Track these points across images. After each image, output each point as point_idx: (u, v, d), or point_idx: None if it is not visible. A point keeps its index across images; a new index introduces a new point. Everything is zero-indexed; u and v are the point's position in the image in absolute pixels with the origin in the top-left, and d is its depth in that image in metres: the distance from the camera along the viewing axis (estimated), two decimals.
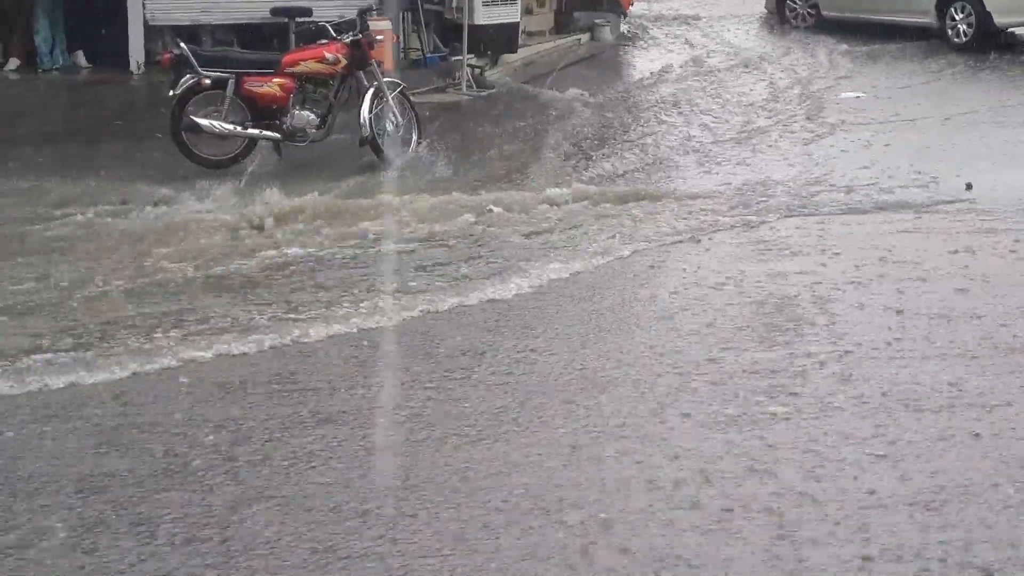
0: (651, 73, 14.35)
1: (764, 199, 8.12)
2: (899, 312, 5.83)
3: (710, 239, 7.23)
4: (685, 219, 7.63)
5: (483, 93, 12.55)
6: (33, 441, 4.42)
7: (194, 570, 3.56)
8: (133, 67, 11.94)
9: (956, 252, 6.87)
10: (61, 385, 4.94)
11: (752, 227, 7.47)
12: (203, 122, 8.86)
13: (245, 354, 5.31)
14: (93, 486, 4.03)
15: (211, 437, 4.42)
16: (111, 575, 3.54)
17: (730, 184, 8.66)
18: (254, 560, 3.60)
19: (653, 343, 5.43)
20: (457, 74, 12.70)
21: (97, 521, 3.82)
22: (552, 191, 8.23)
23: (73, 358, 5.21)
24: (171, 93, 8.93)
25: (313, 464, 4.20)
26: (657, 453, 4.31)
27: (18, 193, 8.23)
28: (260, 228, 7.38)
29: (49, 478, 4.10)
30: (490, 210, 7.71)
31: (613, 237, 7.23)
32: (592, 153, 9.89)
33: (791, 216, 7.73)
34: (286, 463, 4.22)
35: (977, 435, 4.45)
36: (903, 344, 5.39)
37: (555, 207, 7.91)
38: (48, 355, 5.24)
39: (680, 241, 7.19)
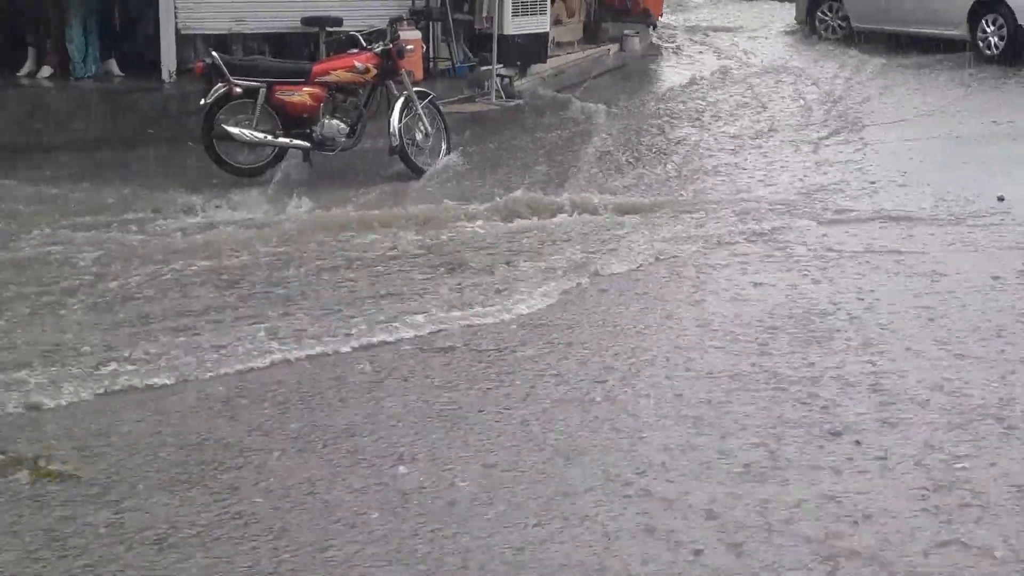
0: (680, 84, 14.35)
1: (792, 209, 8.09)
2: (930, 321, 5.78)
3: (737, 248, 7.20)
4: (712, 228, 7.61)
5: (512, 103, 12.56)
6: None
7: None
8: (165, 76, 12.00)
9: (985, 263, 6.83)
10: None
11: (778, 237, 7.44)
12: (234, 131, 8.92)
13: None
14: None
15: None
16: None
17: (759, 194, 8.65)
18: None
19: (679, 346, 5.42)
20: (486, 84, 12.73)
21: None
22: (580, 198, 8.26)
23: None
24: (203, 102, 8.99)
25: None
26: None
27: (50, 200, 8.29)
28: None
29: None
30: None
31: (641, 245, 7.23)
32: (620, 163, 9.90)
33: (821, 225, 7.69)
34: None
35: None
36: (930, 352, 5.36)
37: (584, 215, 7.91)
38: None
39: (707, 250, 7.18)
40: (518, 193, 8.34)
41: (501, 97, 12.61)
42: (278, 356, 5.33)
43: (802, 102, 12.84)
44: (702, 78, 14.65)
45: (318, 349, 5.44)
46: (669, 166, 9.81)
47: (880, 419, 4.64)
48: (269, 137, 9.08)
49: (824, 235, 7.45)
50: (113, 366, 5.17)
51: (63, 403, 4.82)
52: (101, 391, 4.94)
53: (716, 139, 10.94)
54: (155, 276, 6.53)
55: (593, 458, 4.30)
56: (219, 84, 8.94)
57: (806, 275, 6.60)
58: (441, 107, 9.99)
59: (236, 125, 8.95)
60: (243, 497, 4.00)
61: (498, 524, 3.83)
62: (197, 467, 4.23)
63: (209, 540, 3.71)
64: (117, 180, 8.80)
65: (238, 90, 8.97)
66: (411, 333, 5.66)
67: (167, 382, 5.04)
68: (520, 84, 13.22)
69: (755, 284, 6.44)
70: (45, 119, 10.82)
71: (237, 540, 3.72)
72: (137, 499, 3.98)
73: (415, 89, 9.52)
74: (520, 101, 12.69)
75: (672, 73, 15.75)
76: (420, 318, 5.84)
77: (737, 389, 4.95)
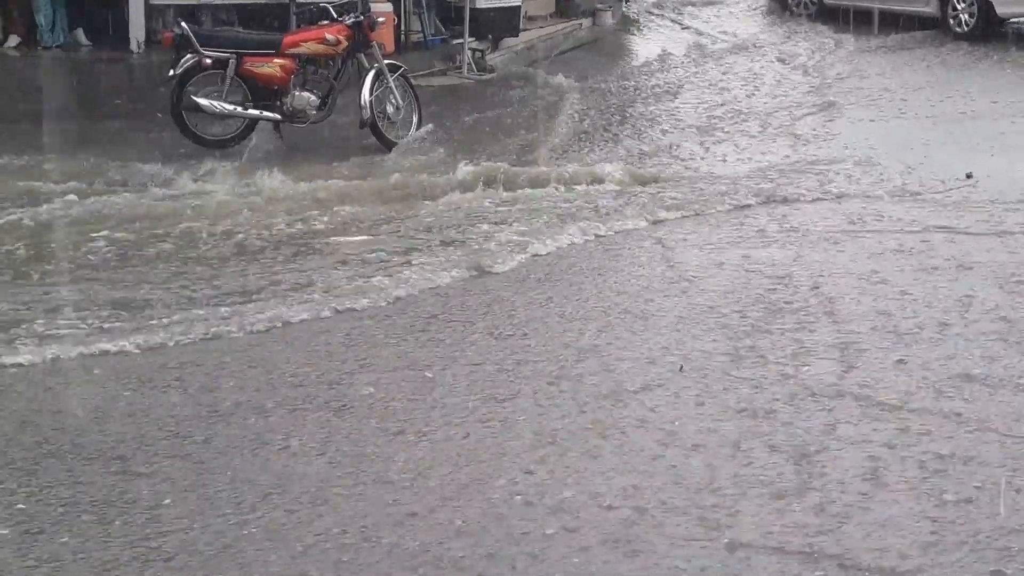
0: (651, 59, 14.37)
1: (757, 184, 8.11)
2: (901, 296, 5.82)
3: (706, 222, 7.23)
4: (682, 201, 7.64)
5: (484, 77, 12.55)
6: None
7: None
8: (133, 46, 11.91)
9: (953, 236, 6.89)
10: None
11: (741, 211, 7.48)
12: (203, 102, 8.85)
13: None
14: None
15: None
16: None
17: (726, 168, 8.70)
18: None
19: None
20: (458, 57, 12.71)
21: None
22: (550, 170, 8.29)
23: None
24: (171, 72, 8.90)
25: None
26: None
27: (16, 170, 8.22)
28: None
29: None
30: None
31: (606, 215, 7.27)
32: (592, 137, 9.93)
33: (787, 202, 7.71)
34: None
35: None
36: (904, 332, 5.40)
37: (556, 186, 7.93)
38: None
39: (669, 223, 7.22)
40: (488, 165, 8.34)
41: (473, 71, 12.60)
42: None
43: (773, 79, 12.87)
44: (674, 53, 14.66)
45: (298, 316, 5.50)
46: (639, 140, 9.85)
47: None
48: (239, 109, 9.01)
49: (790, 212, 7.47)
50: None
51: None
52: None
53: (686, 114, 10.97)
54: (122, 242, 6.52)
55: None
56: (188, 55, 8.86)
57: (768, 250, 6.62)
58: (412, 80, 9.95)
59: (205, 96, 8.88)
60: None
61: None
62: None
63: None
64: (85, 151, 8.73)
65: (207, 61, 8.89)
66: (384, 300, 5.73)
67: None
68: (492, 57, 13.20)
69: (717, 261, 6.46)
70: (11, 89, 10.72)
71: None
72: None
73: (386, 62, 9.48)
74: (492, 75, 12.68)
75: (644, 48, 15.76)
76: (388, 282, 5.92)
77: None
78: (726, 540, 3.56)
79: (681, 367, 4.86)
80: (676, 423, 4.37)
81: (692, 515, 3.71)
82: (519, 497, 3.81)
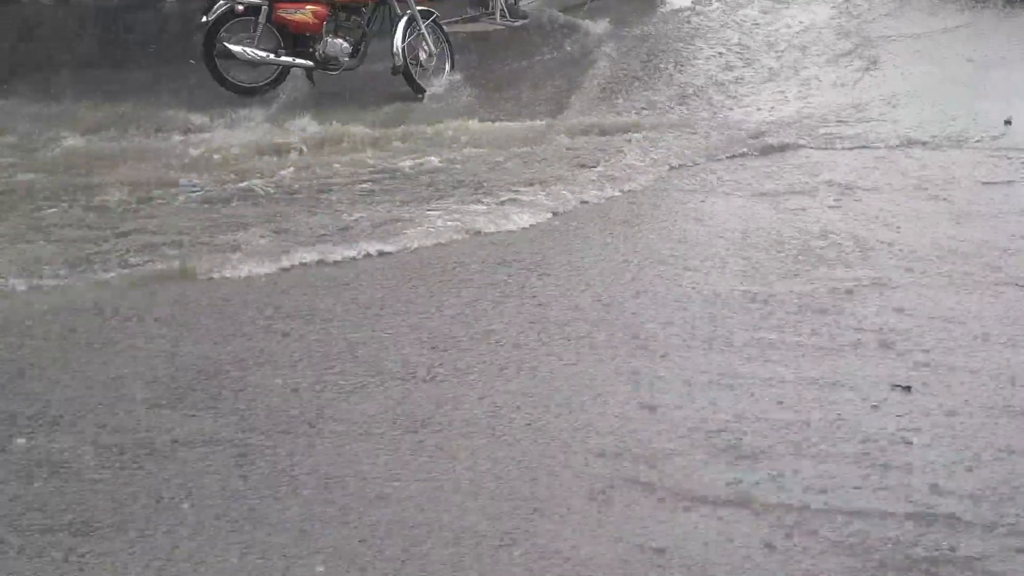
0: (688, 3, 14.16)
1: (794, 131, 8.01)
2: (934, 247, 5.75)
3: (740, 168, 7.16)
4: (718, 148, 7.56)
5: (517, 23, 12.42)
6: None
7: None
8: None
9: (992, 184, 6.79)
10: None
11: (781, 156, 7.40)
12: (236, 49, 8.84)
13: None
14: None
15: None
16: None
17: (763, 115, 8.58)
18: None
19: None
20: (491, 3, 12.58)
21: None
22: (584, 119, 8.21)
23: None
24: (204, 19, 8.90)
25: None
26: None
27: (52, 118, 8.25)
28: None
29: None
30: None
31: (647, 164, 7.20)
32: (626, 84, 9.81)
33: (822, 149, 7.63)
34: None
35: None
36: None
37: (586, 136, 7.86)
38: None
39: (707, 172, 7.15)
40: (519, 114, 8.30)
41: (506, 17, 12.47)
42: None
43: (812, 21, 12.67)
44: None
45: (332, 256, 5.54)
46: (676, 87, 9.70)
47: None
48: (271, 56, 9.00)
49: (824, 159, 7.39)
50: None
51: None
52: None
53: (722, 59, 10.82)
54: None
55: None
56: (221, 1, 8.85)
57: (803, 198, 6.55)
58: (445, 27, 9.89)
59: (238, 43, 8.87)
60: None
61: None
62: None
63: None
64: (119, 98, 8.76)
65: (240, 8, 8.87)
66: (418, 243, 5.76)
67: None
68: (525, 4, 13.06)
69: (745, 208, 6.40)
70: (46, 37, 10.72)
71: None
72: None
73: (419, 8, 9.41)
74: (525, 21, 12.54)
75: None
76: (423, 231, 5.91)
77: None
78: None
79: None
80: None
81: None
82: None
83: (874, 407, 4.05)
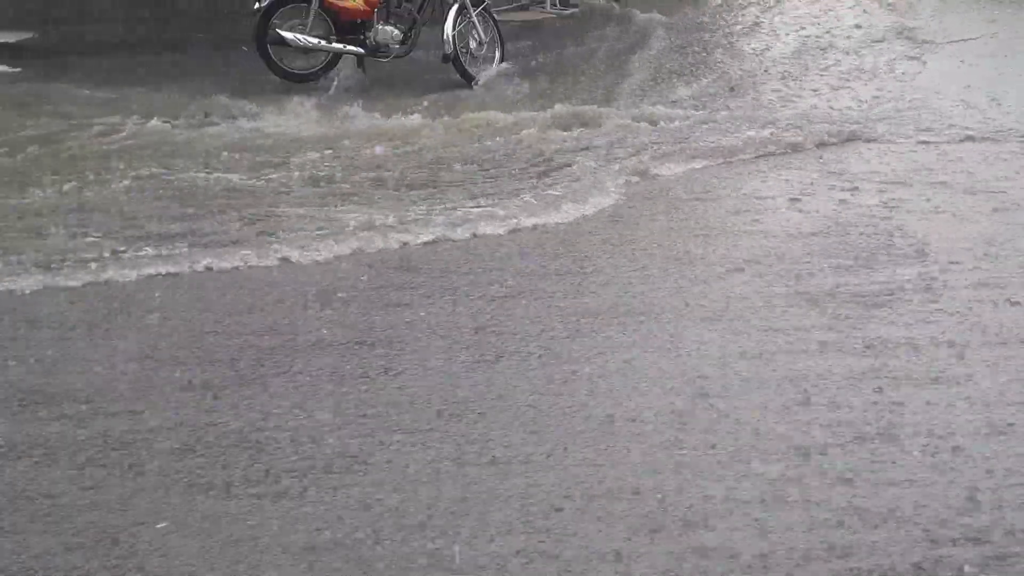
0: None
1: (845, 123, 7.90)
2: (986, 241, 5.66)
3: (790, 162, 7.08)
4: (767, 142, 7.48)
5: (567, 12, 12.40)
6: None
7: None
8: None
9: None
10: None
11: (829, 150, 7.31)
12: (288, 35, 8.87)
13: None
14: None
15: None
16: None
17: (814, 108, 8.47)
18: None
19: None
20: None
21: None
22: (635, 110, 8.15)
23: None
24: (256, 6, 8.93)
25: None
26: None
27: (104, 103, 8.31)
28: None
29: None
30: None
31: (693, 155, 7.15)
32: (676, 75, 9.74)
33: (874, 142, 7.52)
34: None
35: None
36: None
37: (639, 124, 7.80)
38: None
39: (762, 157, 7.09)
40: (571, 103, 8.25)
41: (556, 5, 12.44)
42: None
43: (864, 12, 12.55)
44: None
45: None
46: (726, 78, 9.62)
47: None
48: (323, 42, 9.02)
49: (878, 154, 7.29)
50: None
51: None
52: None
53: (773, 50, 10.73)
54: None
55: None
56: None
57: (856, 194, 6.46)
58: (495, 15, 9.87)
59: (290, 30, 8.90)
60: None
61: None
62: None
63: None
64: (169, 83, 8.82)
65: None
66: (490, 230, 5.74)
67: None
68: None
69: (798, 202, 6.32)
70: (98, 22, 10.81)
71: None
72: None
73: None
74: (576, 10, 12.52)
75: None
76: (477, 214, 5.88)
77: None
78: None
79: None
80: None
81: None
82: None
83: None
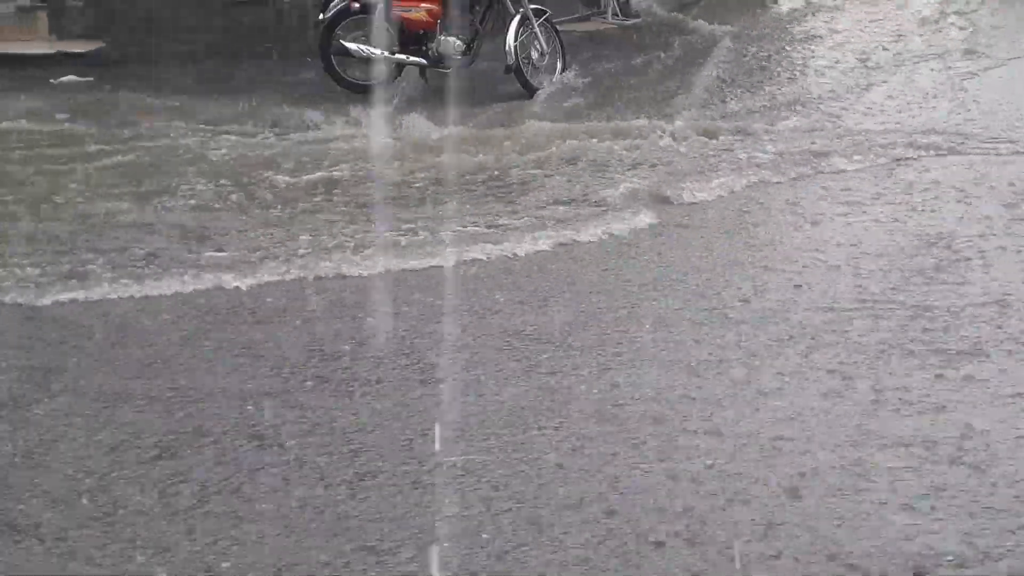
0: (803, 3, 13.97)
1: (912, 137, 7.82)
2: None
3: (859, 174, 7.03)
4: (833, 157, 7.42)
5: (629, 22, 12.39)
6: None
7: None
8: None
9: None
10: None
11: (899, 165, 7.23)
12: (352, 46, 8.96)
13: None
14: None
15: None
16: None
17: (881, 120, 8.40)
18: None
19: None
20: (603, 3, 12.55)
21: None
22: (699, 121, 8.13)
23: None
24: (321, 16, 9.05)
25: None
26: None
27: (172, 111, 8.45)
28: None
29: None
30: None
31: (755, 168, 7.12)
32: (739, 87, 9.69)
33: (943, 155, 7.43)
34: None
35: None
36: None
37: (704, 137, 7.78)
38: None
39: (823, 179, 7.03)
40: (630, 115, 8.27)
41: (618, 16, 12.44)
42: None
43: (932, 22, 12.41)
44: None
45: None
46: (790, 90, 9.56)
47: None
48: (386, 54, 9.10)
49: (943, 168, 7.21)
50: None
51: None
52: None
53: (841, 64, 10.63)
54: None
55: None
56: None
57: (923, 209, 6.40)
58: (557, 26, 9.90)
59: (354, 41, 9.00)
60: None
61: None
62: None
63: None
64: (236, 93, 8.94)
65: (356, 5, 9.00)
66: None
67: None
68: (638, 2, 13.01)
69: (870, 217, 6.27)
70: (167, 32, 10.96)
71: None
72: None
73: (531, 7, 9.43)
74: (638, 20, 12.50)
75: None
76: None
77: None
78: None
79: None
80: None
81: None
82: None
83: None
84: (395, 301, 5.07)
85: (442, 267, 5.49)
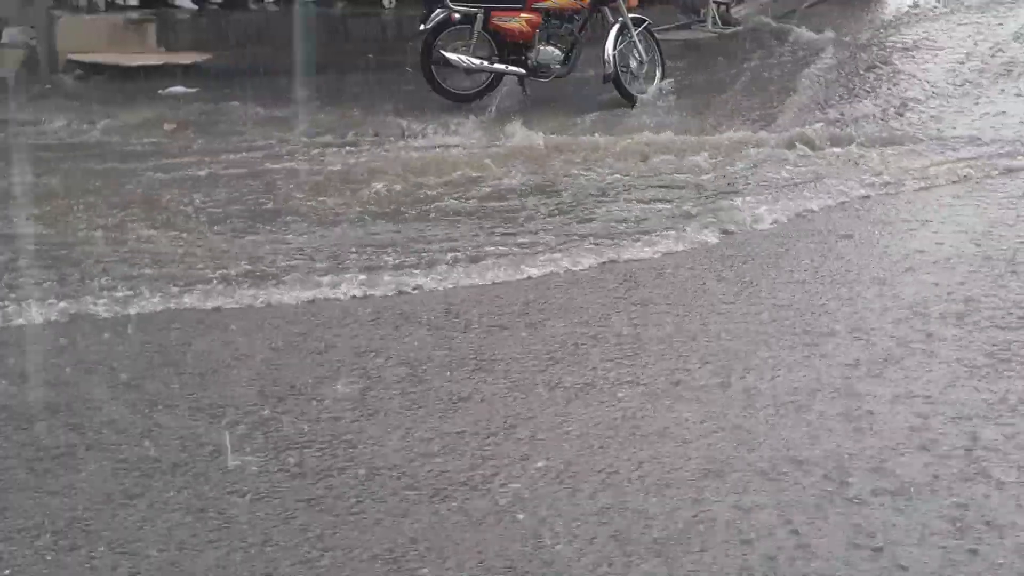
0: (907, 10, 13.73)
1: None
2: None
3: (970, 185, 6.88)
4: (943, 164, 7.28)
5: (728, 31, 12.29)
6: None
7: None
8: (385, 1, 12.20)
9: None
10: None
11: (1014, 175, 7.07)
12: (452, 57, 9.04)
13: None
14: None
15: None
16: None
17: (992, 129, 8.21)
18: None
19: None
20: (703, 11, 12.47)
21: None
22: (800, 131, 8.02)
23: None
24: (422, 27, 9.14)
25: None
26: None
27: (276, 122, 8.61)
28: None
29: None
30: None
31: (863, 178, 7.00)
32: (842, 96, 9.56)
33: None
34: None
35: None
36: None
37: (805, 148, 7.67)
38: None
39: (936, 186, 6.89)
40: (729, 124, 8.21)
41: (718, 24, 12.35)
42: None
43: None
44: (930, 4, 13.97)
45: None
46: (895, 100, 9.38)
47: None
48: (486, 63, 9.17)
49: None
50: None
51: None
52: None
53: (946, 70, 10.42)
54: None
55: None
56: (438, 10, 9.07)
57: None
58: (656, 34, 9.86)
59: (454, 51, 9.08)
60: None
61: None
62: None
63: None
64: (338, 103, 9.08)
65: (456, 16, 9.08)
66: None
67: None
68: (737, 11, 12.90)
69: (982, 223, 6.14)
70: (269, 43, 11.15)
71: None
72: None
73: (630, 15, 9.40)
74: (738, 28, 12.39)
75: None
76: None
77: None
78: None
79: None
80: None
81: None
82: None
83: None
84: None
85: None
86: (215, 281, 5.32)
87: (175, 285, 5.27)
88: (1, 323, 4.91)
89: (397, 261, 5.66)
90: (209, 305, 5.11)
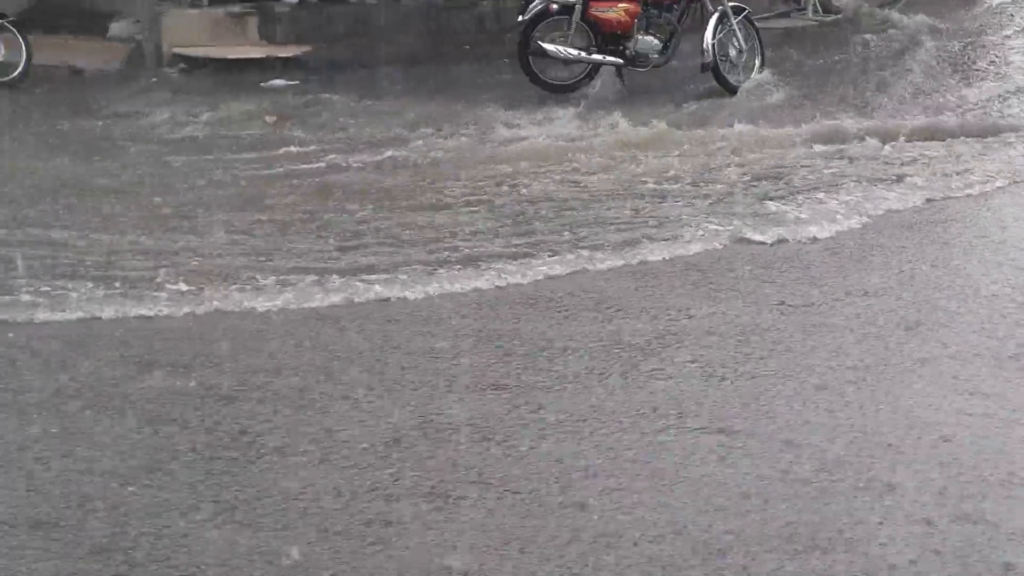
0: None
1: None
2: None
3: None
4: None
5: (829, 19, 12.08)
6: None
7: None
8: None
9: None
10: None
11: None
12: (550, 47, 9.04)
13: None
14: None
15: None
16: None
17: None
18: None
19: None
20: None
21: None
22: (902, 122, 7.89)
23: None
24: (520, 18, 9.15)
25: None
26: None
27: (373, 113, 8.70)
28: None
29: None
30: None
31: (968, 171, 6.87)
32: (946, 83, 9.36)
33: None
34: None
35: None
36: None
37: (906, 138, 7.54)
38: None
39: None
40: (831, 115, 8.11)
41: (818, 12, 12.14)
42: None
43: None
44: None
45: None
46: (999, 86, 9.18)
47: None
48: (583, 54, 9.15)
49: None
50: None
51: None
52: None
53: None
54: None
55: None
56: (536, 1, 9.07)
57: None
58: (756, 23, 9.74)
59: (552, 42, 9.07)
60: None
61: None
62: None
63: None
64: (436, 95, 9.13)
65: (554, 7, 9.08)
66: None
67: None
68: None
69: None
70: (367, 35, 11.25)
71: None
72: None
73: (730, 4, 9.30)
74: (839, 16, 12.17)
75: None
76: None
77: None
78: None
79: None
80: None
81: None
82: None
83: None
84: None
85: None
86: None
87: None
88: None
89: None
90: None
